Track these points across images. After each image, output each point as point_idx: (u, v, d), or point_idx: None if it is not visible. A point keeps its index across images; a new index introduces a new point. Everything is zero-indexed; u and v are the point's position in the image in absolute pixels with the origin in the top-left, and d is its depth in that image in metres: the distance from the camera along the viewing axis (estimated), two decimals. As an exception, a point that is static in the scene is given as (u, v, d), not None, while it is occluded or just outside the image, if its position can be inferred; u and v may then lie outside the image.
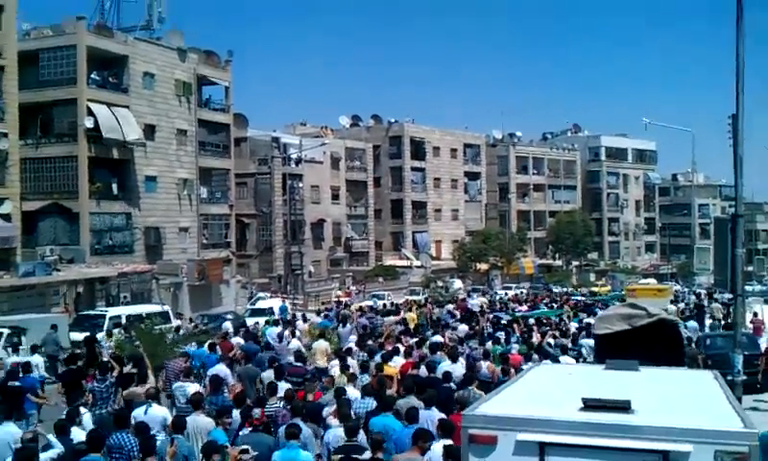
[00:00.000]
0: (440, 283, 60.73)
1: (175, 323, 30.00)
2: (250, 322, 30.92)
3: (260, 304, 41.44)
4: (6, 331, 24.05)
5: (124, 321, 27.54)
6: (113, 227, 46.77)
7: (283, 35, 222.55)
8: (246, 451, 9.13)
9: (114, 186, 47.15)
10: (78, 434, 10.05)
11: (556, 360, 16.68)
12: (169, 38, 52.42)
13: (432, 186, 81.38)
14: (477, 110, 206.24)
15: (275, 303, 41.00)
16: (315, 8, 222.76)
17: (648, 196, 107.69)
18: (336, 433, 9.85)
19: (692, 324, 27.03)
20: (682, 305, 37.32)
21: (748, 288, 33.75)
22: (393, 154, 79.06)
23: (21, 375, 15.06)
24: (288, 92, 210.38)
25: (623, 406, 6.26)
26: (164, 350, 19.69)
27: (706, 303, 38.55)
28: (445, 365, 14.61)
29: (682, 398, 7.39)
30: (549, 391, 7.77)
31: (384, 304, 40.24)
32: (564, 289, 62.33)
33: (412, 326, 25.39)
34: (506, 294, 54.69)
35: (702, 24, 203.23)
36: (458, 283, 63.08)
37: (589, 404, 6.32)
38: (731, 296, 20.16)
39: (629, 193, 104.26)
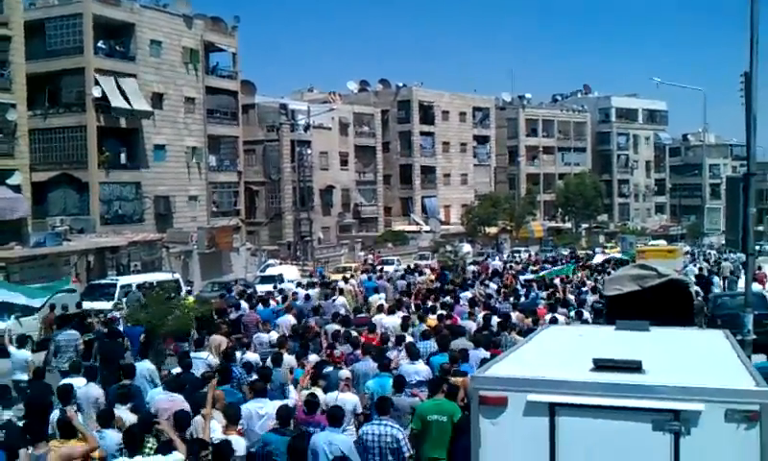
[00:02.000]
0: (448, 248, 60.67)
1: (185, 291, 30.11)
2: (260, 288, 31.03)
3: (270, 271, 41.51)
4: (18, 302, 24.13)
5: (134, 290, 27.61)
6: (123, 196, 46.89)
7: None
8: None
9: (123, 156, 47.25)
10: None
11: (578, 313, 19.32)
12: (176, 5, 52.07)
13: (441, 151, 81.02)
14: (486, 73, 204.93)
15: (284, 270, 41.09)
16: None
17: (658, 157, 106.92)
18: (408, 369, 11.53)
19: (717, 278, 27.42)
20: (695, 267, 37.34)
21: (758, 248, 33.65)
22: (401, 118, 78.64)
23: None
24: (296, 58, 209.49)
25: (634, 366, 6.25)
26: (176, 317, 19.74)
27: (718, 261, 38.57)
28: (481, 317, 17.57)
29: (693, 357, 7.38)
30: (560, 352, 7.77)
31: (409, 266, 41.99)
32: (587, 252, 62.80)
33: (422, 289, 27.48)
34: (528, 256, 55.52)
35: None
36: (467, 248, 62.98)
37: (600, 365, 6.31)
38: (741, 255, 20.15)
39: (639, 154, 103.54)
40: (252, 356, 13.26)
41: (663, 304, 13.17)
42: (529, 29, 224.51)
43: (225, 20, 57.12)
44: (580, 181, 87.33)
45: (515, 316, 17.91)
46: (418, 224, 75.42)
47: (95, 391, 10.63)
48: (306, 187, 61.79)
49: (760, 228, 60.42)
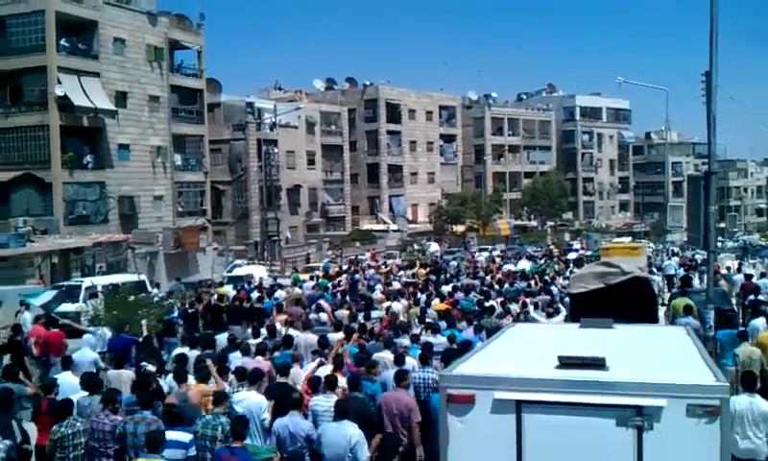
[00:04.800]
0: (416, 246, 60.91)
1: (153, 292, 29.89)
2: (227, 288, 30.96)
3: (237, 272, 41.26)
4: (-20, 304, 23.82)
5: (100, 291, 27.34)
6: (87, 197, 46.17)
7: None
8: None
9: (87, 156, 46.59)
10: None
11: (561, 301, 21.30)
12: (139, 2, 51.45)
13: (408, 150, 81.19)
14: (453, 72, 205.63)
15: (252, 270, 40.87)
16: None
17: (622, 155, 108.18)
18: (432, 341, 14.17)
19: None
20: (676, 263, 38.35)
21: (719, 244, 34.36)
22: (368, 117, 78.64)
23: None
24: (262, 56, 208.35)
25: (598, 363, 6.36)
26: (140, 318, 19.64)
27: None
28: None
29: (655, 353, 7.52)
30: (526, 350, 7.87)
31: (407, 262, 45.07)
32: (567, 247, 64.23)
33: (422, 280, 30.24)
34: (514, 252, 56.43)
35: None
36: (434, 246, 63.26)
37: (565, 362, 6.41)
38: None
39: (603, 152, 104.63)
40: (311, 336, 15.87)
41: (627, 302, 13.36)
42: (495, 28, 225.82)
43: (190, 18, 56.67)
44: (546, 179, 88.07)
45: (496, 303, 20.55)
46: (385, 223, 75.51)
47: (192, 354, 13.35)
48: (273, 187, 61.59)
49: (721, 225, 61.49)
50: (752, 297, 20.08)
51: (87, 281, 30.09)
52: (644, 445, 5.89)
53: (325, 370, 11.87)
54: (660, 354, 7.46)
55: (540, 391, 6.17)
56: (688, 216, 20.30)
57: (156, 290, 31.03)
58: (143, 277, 32.92)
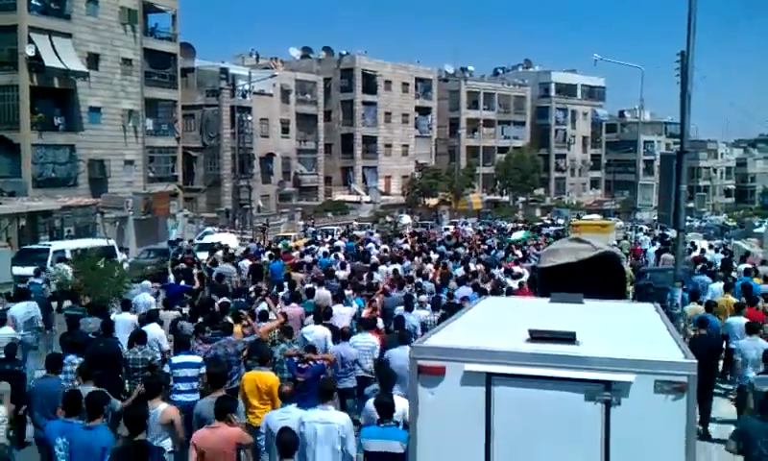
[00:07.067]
0: (388, 218, 60.89)
1: (121, 257, 29.61)
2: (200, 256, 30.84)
3: (208, 239, 41.05)
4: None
5: (68, 255, 27.05)
6: (56, 159, 45.55)
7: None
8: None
9: (57, 117, 45.87)
10: None
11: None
12: (112, -37, 50.45)
13: (383, 121, 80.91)
14: (430, 44, 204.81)
15: (223, 238, 40.67)
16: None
17: (595, 132, 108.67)
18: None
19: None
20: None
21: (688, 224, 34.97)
22: (344, 87, 78.19)
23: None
24: (237, 22, 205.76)
25: (568, 338, 6.37)
26: (108, 284, 19.45)
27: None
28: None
29: (624, 329, 7.56)
30: (496, 323, 7.88)
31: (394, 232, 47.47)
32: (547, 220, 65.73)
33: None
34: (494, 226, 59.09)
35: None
36: (406, 219, 63.29)
37: (536, 336, 6.42)
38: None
39: (576, 129, 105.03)
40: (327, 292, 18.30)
41: (597, 277, 13.45)
42: (474, 1, 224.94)
43: (164, -20, 55.72)
44: (519, 154, 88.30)
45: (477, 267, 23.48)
46: (358, 194, 75.36)
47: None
48: (246, 154, 61.12)
49: (691, 204, 62.24)
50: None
51: (55, 245, 29.78)
52: (612, 419, 5.92)
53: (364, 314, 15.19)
54: (629, 330, 7.50)
55: (510, 364, 6.17)
56: (659, 194, 20.35)
57: (123, 255, 30.70)
58: (112, 241, 32.66)
